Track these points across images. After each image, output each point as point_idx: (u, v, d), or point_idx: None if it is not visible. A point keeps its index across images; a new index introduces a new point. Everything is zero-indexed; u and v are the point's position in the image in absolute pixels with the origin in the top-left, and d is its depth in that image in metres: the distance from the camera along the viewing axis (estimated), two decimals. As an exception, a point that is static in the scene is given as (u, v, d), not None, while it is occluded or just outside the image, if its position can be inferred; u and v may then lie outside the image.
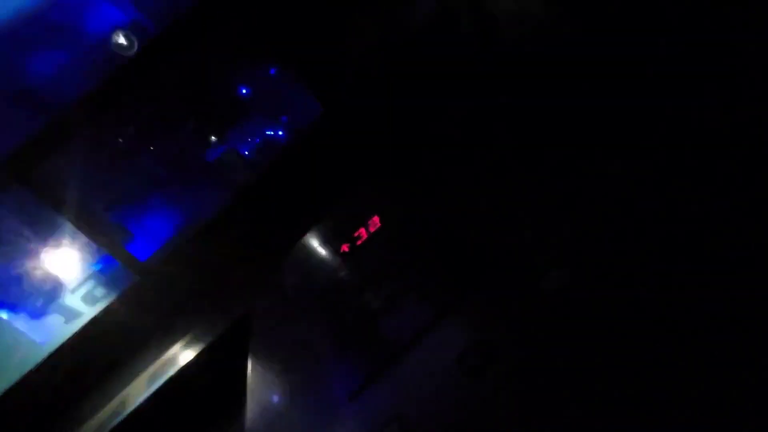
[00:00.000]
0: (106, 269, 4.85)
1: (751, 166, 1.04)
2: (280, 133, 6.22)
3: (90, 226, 3.08)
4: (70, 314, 4.55)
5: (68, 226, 3.08)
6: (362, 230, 2.07)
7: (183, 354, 2.31)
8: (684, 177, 1.14)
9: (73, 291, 4.61)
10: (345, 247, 2.07)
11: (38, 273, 4.46)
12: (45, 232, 4.41)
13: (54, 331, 4.54)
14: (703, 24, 1.47)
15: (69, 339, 2.94)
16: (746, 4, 1.33)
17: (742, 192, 1.02)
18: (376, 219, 2.08)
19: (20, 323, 4.72)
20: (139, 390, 2.26)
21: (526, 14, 2.29)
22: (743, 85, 1.27)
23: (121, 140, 5.04)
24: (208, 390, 2.24)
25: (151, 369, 2.42)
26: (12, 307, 4.65)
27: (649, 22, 1.69)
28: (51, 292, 4.59)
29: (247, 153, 6.12)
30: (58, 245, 4.26)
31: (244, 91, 6.28)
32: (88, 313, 3.06)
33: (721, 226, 0.98)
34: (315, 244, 2.38)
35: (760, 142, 1.08)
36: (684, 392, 0.77)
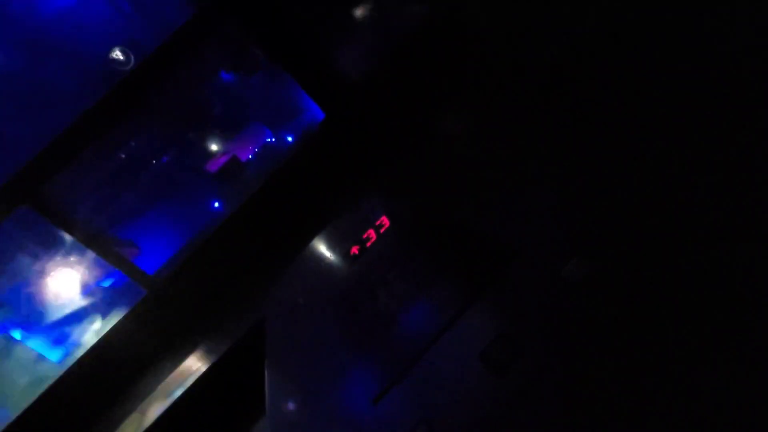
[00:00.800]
0: (116, 285, 4.88)
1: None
2: (289, 138, 6.23)
3: (98, 243, 3.08)
4: (83, 331, 4.57)
5: (76, 244, 3.09)
6: (371, 231, 2.06)
7: (199, 365, 2.30)
8: (709, 165, 1.12)
9: (84, 308, 4.63)
10: (355, 250, 2.06)
11: (49, 292, 4.48)
12: (54, 250, 4.43)
13: (68, 349, 4.56)
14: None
15: (83, 356, 2.94)
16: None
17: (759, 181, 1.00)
18: (384, 219, 2.06)
19: (34, 343, 4.74)
20: (157, 403, 2.26)
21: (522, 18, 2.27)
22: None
23: (123, 156, 5.06)
24: (227, 400, 2.23)
25: (168, 381, 2.42)
26: (25, 327, 4.68)
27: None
28: (63, 310, 4.61)
29: (249, 161, 6.14)
30: (67, 263, 4.28)
31: (244, 99, 6.30)
32: (101, 329, 3.06)
33: (752, 215, 0.95)
34: (324, 248, 2.38)
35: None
36: (714, 381, 0.75)
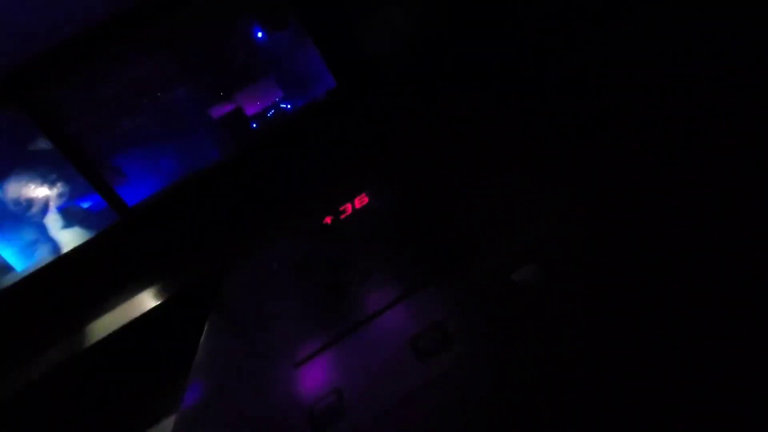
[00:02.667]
0: (94, 207, 4.81)
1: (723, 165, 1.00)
2: (299, 103, 6.14)
3: (83, 161, 3.02)
4: (51, 247, 4.52)
5: (62, 158, 3.02)
6: (348, 205, 2.03)
7: (149, 300, 2.27)
8: (662, 173, 1.11)
9: (56, 224, 4.57)
10: (328, 220, 2.02)
11: (24, 201, 4.41)
12: (38, 160, 4.35)
13: (33, 260, 4.51)
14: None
15: (43, 267, 2.91)
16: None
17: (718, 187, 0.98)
18: (364, 196, 2.03)
19: (1, 249, 4.69)
20: (101, 328, 2.24)
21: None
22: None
23: (128, 80, 4.95)
24: (165, 337, 2.21)
25: (117, 310, 2.40)
26: (-6, 230, 4.63)
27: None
28: (34, 221, 4.55)
29: (253, 117, 6.04)
30: (48, 175, 4.19)
31: (264, 54, 6.18)
32: (70, 246, 3.02)
33: (698, 221, 0.95)
34: (299, 212, 2.34)
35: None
36: (649, 392, 0.74)
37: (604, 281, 0.95)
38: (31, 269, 3.02)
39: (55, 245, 4.42)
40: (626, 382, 0.76)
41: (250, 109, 5.82)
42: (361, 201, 2.01)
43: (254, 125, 5.80)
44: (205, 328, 1.63)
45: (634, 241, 1.01)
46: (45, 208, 4.44)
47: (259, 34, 5.97)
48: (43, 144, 4.21)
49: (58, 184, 4.34)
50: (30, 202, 4.30)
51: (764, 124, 1.06)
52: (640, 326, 0.83)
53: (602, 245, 1.05)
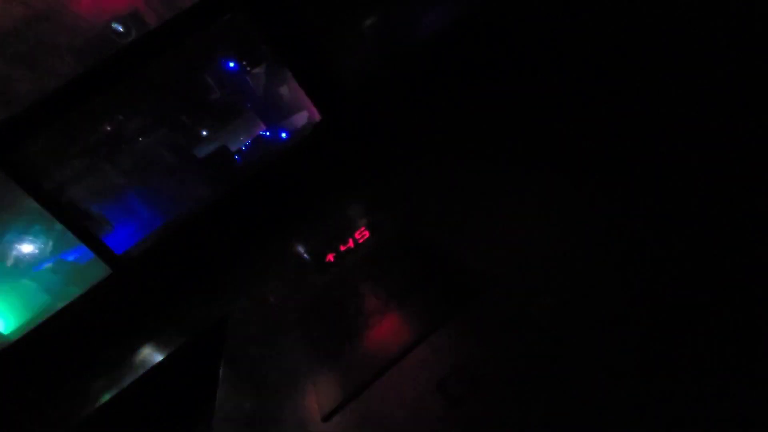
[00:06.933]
0: (81, 260, 4.68)
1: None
2: (283, 135, 6.16)
3: (66, 214, 2.96)
4: (37, 304, 4.35)
5: (44, 212, 2.96)
6: (350, 241, 2.03)
7: (153, 355, 2.21)
8: (670, 202, 1.15)
9: (42, 280, 4.42)
10: (331, 257, 2.02)
11: (7, 258, 4.26)
12: (19, 216, 4.24)
13: (18, 320, 4.33)
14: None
15: (32, 330, 2.80)
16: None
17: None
18: (364, 231, 2.04)
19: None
20: (105, 389, 2.15)
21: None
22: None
23: (109, 128, 4.91)
24: (176, 394, 2.15)
25: (119, 368, 2.32)
26: (-24, 292, 4.43)
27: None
28: (18, 278, 4.39)
29: (238, 153, 6.04)
30: (31, 231, 4.08)
31: (243, 89, 6.22)
32: (57, 304, 2.92)
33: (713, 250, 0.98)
34: (300, 251, 2.33)
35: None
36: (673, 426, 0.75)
37: (621, 307, 0.98)
38: (21, 330, 2.90)
39: (42, 302, 4.27)
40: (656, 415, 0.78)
41: (234, 146, 5.83)
42: (361, 235, 2.02)
43: (240, 162, 5.79)
44: (219, 382, 1.59)
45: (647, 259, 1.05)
46: (32, 265, 4.29)
47: (236, 71, 6.04)
48: (25, 199, 4.11)
49: (44, 239, 4.22)
50: (16, 260, 4.15)
51: (758, 126, 1.12)
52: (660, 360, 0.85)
53: (614, 264, 1.08)
